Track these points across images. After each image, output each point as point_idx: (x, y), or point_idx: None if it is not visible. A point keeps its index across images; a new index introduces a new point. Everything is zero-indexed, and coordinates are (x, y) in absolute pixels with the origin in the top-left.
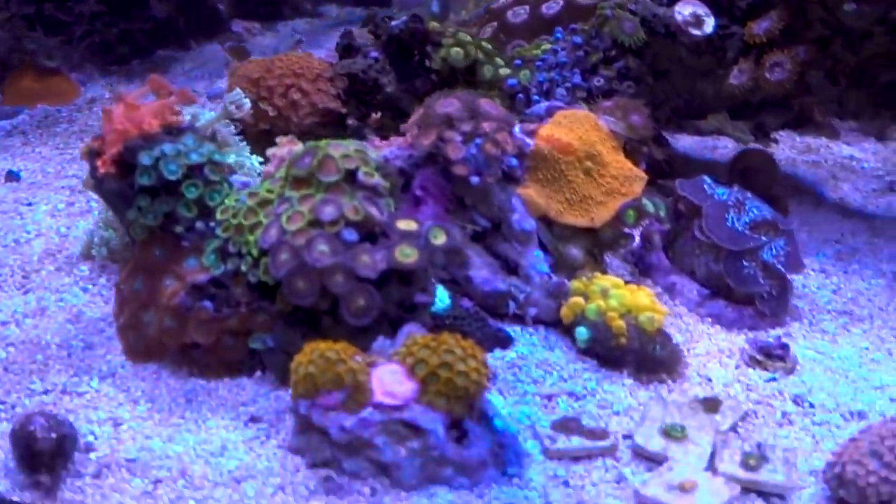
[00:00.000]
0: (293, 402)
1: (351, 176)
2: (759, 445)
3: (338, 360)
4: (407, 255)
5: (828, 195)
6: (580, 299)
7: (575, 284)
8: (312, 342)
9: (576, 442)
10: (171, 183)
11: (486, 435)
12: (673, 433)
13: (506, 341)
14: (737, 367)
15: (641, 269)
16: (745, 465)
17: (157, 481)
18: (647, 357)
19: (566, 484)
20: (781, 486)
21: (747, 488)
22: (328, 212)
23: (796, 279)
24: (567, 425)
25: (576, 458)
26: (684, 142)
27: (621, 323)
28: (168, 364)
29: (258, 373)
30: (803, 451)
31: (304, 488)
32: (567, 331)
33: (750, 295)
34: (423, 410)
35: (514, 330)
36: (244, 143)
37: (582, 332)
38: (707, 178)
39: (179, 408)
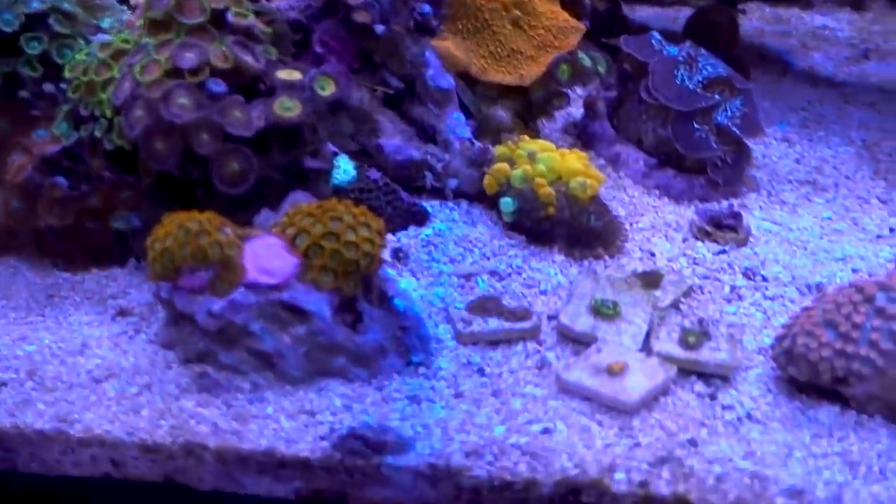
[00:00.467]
0: (155, 286)
1: (219, 18)
2: (700, 322)
3: (200, 232)
4: (288, 108)
5: (796, 64)
6: (505, 165)
7: (500, 150)
8: (173, 214)
9: (493, 324)
10: (9, 37)
11: (384, 318)
12: (603, 311)
13: (421, 217)
14: (684, 240)
15: (584, 140)
16: (683, 343)
17: (2, 385)
18: (580, 229)
19: (481, 372)
20: (724, 365)
21: (686, 369)
22: (189, 58)
23: (755, 147)
24: (484, 306)
25: (493, 343)
26: (643, 12)
27: (550, 190)
28: (26, 256)
29: (132, 261)
30: (752, 327)
31: (174, 386)
32: (492, 204)
33: (702, 162)
34: (307, 290)
35: (431, 205)
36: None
37: (507, 203)
38: (656, 34)
39: (39, 305)
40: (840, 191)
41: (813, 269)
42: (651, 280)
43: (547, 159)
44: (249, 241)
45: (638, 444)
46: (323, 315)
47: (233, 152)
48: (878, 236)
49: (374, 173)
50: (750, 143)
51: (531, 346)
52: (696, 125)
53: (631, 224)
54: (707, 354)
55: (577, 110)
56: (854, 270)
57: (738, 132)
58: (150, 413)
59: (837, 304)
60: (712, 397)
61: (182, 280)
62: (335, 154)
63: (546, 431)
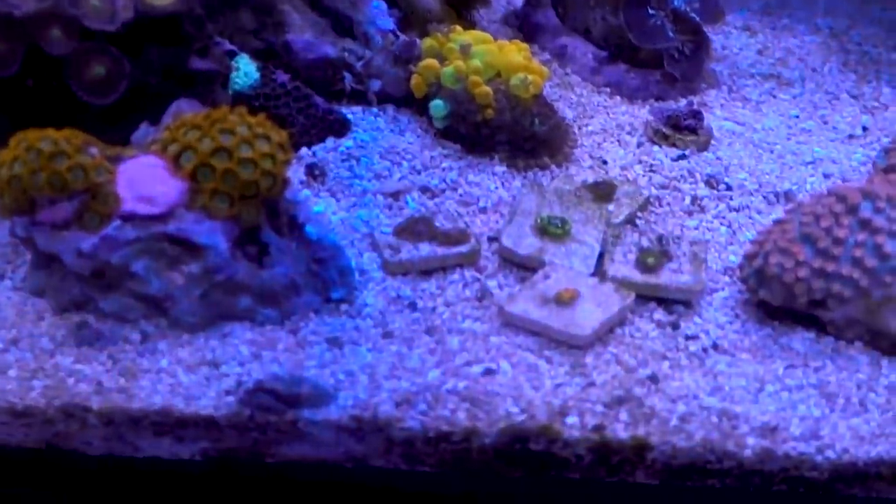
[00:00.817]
0: (9, 222)
1: None
2: (660, 239)
3: (56, 155)
4: None
5: None
6: (434, 62)
7: (428, 43)
8: (21, 133)
9: (425, 250)
10: None
11: (296, 249)
12: (551, 230)
13: (341, 127)
14: (639, 145)
15: (525, 31)
16: (641, 265)
17: None
18: (522, 135)
19: (413, 307)
20: (686, 288)
21: (644, 294)
22: None
23: (714, 38)
24: (415, 229)
25: (425, 272)
26: None
27: (486, 89)
28: None
29: None
30: (716, 244)
31: (47, 340)
32: (423, 108)
33: (657, 54)
34: (197, 219)
35: (352, 112)
36: None
37: (438, 107)
38: None
39: None
40: (807, 85)
41: (781, 174)
42: (603, 192)
43: (483, 53)
44: (123, 164)
45: (592, 384)
46: (219, 248)
47: (95, 52)
48: (850, 136)
49: (281, 76)
50: (709, 32)
51: (469, 273)
52: (650, 10)
53: (580, 128)
54: (668, 277)
55: None
56: (826, 175)
57: (696, 18)
58: (20, 373)
59: (816, 215)
60: (674, 326)
61: (40, 214)
62: (232, 54)
63: (488, 373)
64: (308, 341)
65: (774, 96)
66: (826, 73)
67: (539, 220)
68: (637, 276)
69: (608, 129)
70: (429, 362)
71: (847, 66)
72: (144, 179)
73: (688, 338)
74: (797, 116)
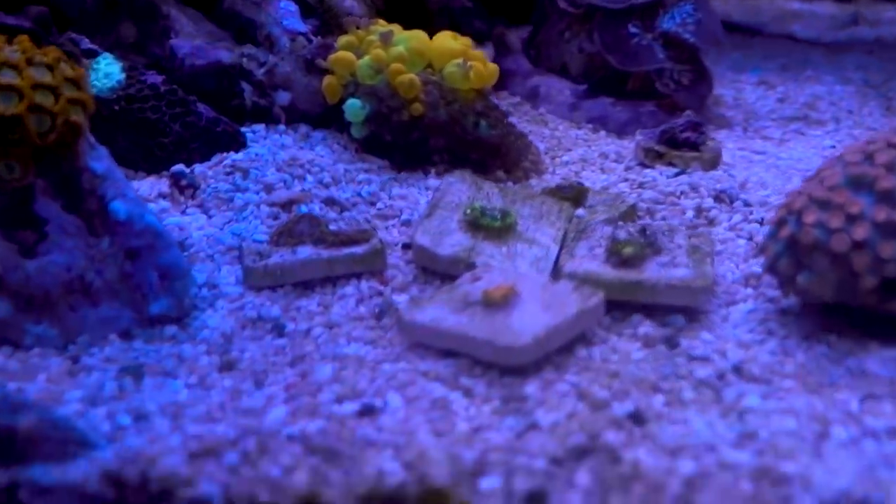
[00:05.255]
0: None
1: None
2: (643, 231)
3: None
4: None
5: (771, 28)
6: (348, 54)
7: (344, 40)
8: None
9: (305, 254)
10: None
11: (93, 232)
12: (485, 222)
13: (231, 140)
14: (626, 168)
15: (496, 83)
16: (614, 257)
17: None
18: (464, 139)
19: (279, 330)
20: (683, 285)
21: (620, 299)
22: None
23: (724, 92)
24: (295, 230)
25: (305, 285)
26: None
27: (411, 76)
28: None
29: None
30: (734, 255)
31: None
32: (346, 126)
33: (647, 83)
34: None
35: (254, 130)
36: None
37: (354, 107)
38: None
39: None
40: (842, 123)
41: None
42: (569, 195)
43: (407, 38)
44: None
45: (534, 426)
46: None
47: None
48: None
49: (153, 77)
50: (716, 87)
51: (369, 285)
52: (632, 29)
53: (553, 158)
54: (655, 272)
55: None
56: None
57: (691, 38)
58: None
59: (866, 154)
60: (670, 343)
61: None
62: (94, 53)
63: (365, 412)
64: (88, 369)
65: (803, 133)
66: (865, 114)
67: (469, 212)
68: (608, 272)
69: (588, 158)
70: (277, 399)
71: (890, 110)
72: None
73: (692, 359)
74: (833, 147)
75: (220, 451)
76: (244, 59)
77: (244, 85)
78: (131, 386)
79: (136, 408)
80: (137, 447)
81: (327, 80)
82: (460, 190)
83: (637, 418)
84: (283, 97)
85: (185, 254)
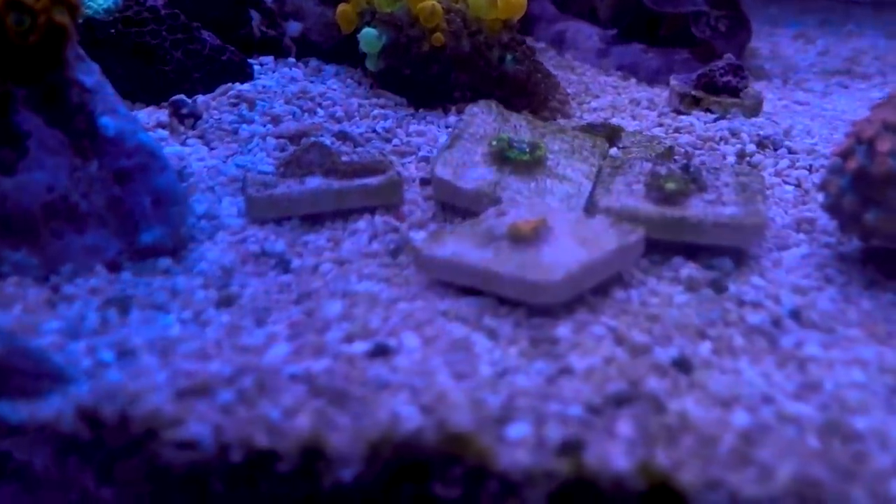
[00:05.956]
0: None
1: None
2: (686, 167)
3: None
4: None
5: None
6: None
7: None
8: None
9: (314, 184)
10: None
11: (79, 148)
12: (513, 154)
13: (237, 71)
14: (660, 114)
15: (520, 25)
16: (655, 191)
17: None
18: (488, 73)
19: (284, 266)
20: (734, 224)
21: (661, 238)
22: None
23: (760, 44)
24: (303, 160)
25: (314, 219)
26: None
27: (433, 4)
28: None
29: None
30: (782, 201)
31: None
32: (360, 60)
33: (682, 29)
34: None
35: (262, 62)
36: None
37: (370, 37)
38: None
39: None
40: (889, 77)
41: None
42: (603, 134)
43: None
44: None
45: (566, 370)
46: None
47: None
48: None
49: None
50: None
51: (383, 220)
52: None
53: (580, 104)
54: (700, 209)
55: None
56: None
57: None
58: None
59: None
60: (717, 287)
61: None
62: None
63: (377, 352)
64: (69, 299)
65: (846, 87)
66: None
67: (495, 143)
68: (648, 207)
69: (618, 105)
70: (279, 337)
71: None
72: None
73: (742, 304)
74: (878, 98)
75: (212, 389)
76: None
77: (252, 13)
78: (116, 319)
79: (121, 342)
80: (118, 383)
81: (341, 7)
82: (485, 121)
83: (682, 365)
84: (294, 27)
85: (184, 184)
